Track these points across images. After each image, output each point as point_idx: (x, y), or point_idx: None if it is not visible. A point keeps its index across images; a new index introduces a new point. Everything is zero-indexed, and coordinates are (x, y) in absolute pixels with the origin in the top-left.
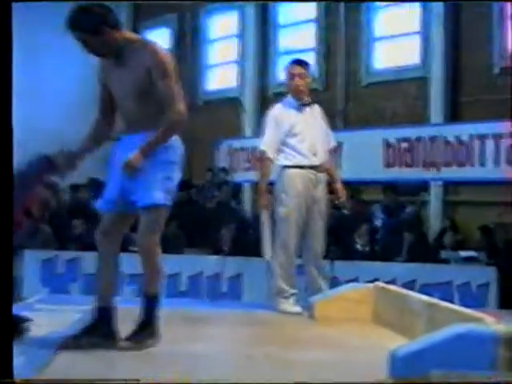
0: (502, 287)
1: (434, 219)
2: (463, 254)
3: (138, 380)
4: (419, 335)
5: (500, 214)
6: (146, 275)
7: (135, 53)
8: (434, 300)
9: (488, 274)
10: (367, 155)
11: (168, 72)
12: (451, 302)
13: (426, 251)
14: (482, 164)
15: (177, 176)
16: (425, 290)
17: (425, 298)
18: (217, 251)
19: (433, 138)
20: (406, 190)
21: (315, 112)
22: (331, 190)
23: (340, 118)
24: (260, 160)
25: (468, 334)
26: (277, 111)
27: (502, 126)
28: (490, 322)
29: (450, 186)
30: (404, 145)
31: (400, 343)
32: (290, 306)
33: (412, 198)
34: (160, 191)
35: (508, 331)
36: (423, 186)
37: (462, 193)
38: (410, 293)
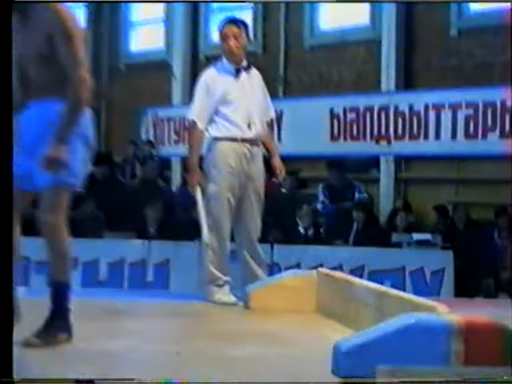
0: (459, 273)
1: (385, 199)
2: (417, 236)
3: (139, 380)
4: (366, 327)
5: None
6: (52, 260)
7: (37, 12)
8: (384, 288)
9: (443, 259)
10: (310, 127)
11: (71, 35)
12: (403, 289)
13: (375, 234)
14: (438, 137)
15: (83, 151)
16: (374, 276)
17: (373, 285)
18: (141, 235)
19: (384, 108)
20: (353, 167)
21: (252, 78)
22: (268, 167)
23: (280, 85)
24: (189, 131)
25: (419, 325)
26: (209, 76)
27: (460, 95)
28: (444, 312)
29: (402, 161)
30: (351, 115)
31: (345, 336)
32: (224, 295)
33: (360, 175)
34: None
35: (462, 322)
36: (372, 162)
37: (416, 169)
38: (358, 280)
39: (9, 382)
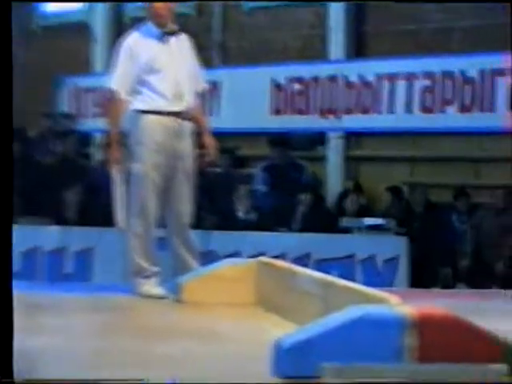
0: (414, 261)
1: (333, 179)
2: (368, 221)
3: (141, 380)
4: (311, 321)
5: None
6: None
7: None
8: (331, 278)
9: (397, 246)
10: (250, 99)
11: None
12: (352, 279)
13: (322, 219)
14: (392, 111)
15: None
16: (321, 265)
17: (319, 275)
18: (59, 220)
19: (332, 79)
20: (298, 144)
21: (182, 43)
22: (200, 143)
23: (217, 52)
24: (109, 101)
25: (368, 318)
26: (132, 41)
27: (416, 64)
28: (396, 304)
29: (352, 137)
30: (297, 86)
31: (288, 331)
32: (152, 287)
33: (306, 153)
34: None
35: (417, 315)
36: (320, 139)
37: (368, 146)
38: (302, 270)
39: (9, 382)
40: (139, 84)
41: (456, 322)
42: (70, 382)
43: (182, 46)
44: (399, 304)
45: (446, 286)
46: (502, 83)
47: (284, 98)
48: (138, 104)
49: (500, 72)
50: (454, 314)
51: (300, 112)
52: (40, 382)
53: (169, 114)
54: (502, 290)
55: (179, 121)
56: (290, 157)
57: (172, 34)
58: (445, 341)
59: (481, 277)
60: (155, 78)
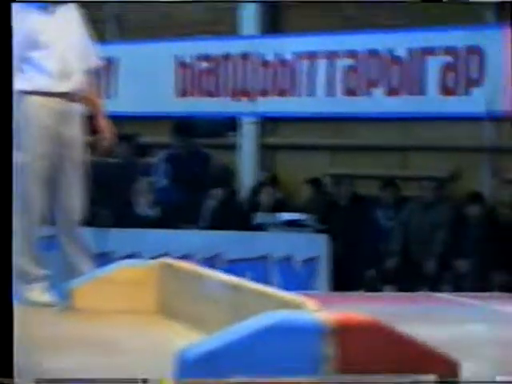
0: (336, 262)
1: (246, 170)
2: (285, 217)
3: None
4: (219, 329)
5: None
6: None
7: None
8: (242, 281)
9: (318, 244)
10: (152, 79)
11: None
12: (267, 282)
13: (234, 215)
14: (311, 93)
15: None
16: (232, 267)
17: (229, 278)
18: None
19: (244, 56)
20: (206, 130)
21: (70, 14)
22: (94, 128)
23: (112, 25)
24: None
25: (282, 325)
26: (11, 11)
27: (338, 41)
28: (314, 310)
29: (268, 123)
30: (204, 65)
31: (192, 341)
32: (38, 293)
33: (215, 140)
34: None
35: (338, 321)
36: (231, 124)
37: (285, 133)
38: (210, 272)
39: (9, 382)
40: (21, 61)
41: (380, 328)
42: (71, 381)
43: (70, 17)
44: (318, 309)
45: (371, 289)
46: (434, 63)
47: (190, 78)
48: (21, 84)
49: (431, 51)
50: (377, 321)
51: (209, 94)
52: (40, 381)
53: (54, 94)
54: (431, 293)
55: (67, 103)
56: (194, 145)
57: (59, 4)
58: (367, 350)
59: (409, 278)
60: (40, 55)
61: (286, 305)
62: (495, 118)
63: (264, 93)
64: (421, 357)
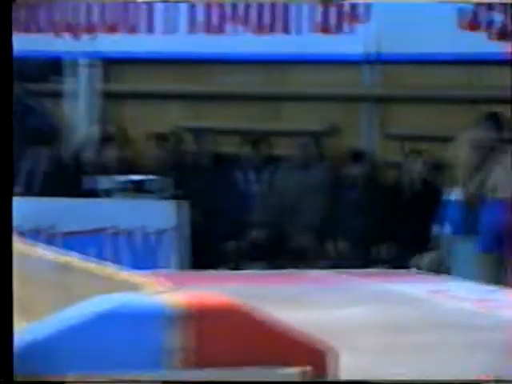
0: (194, 234)
1: (82, 123)
2: (133, 180)
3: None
4: (45, 315)
5: None
6: None
7: None
8: (74, 258)
9: (171, 214)
10: None
11: None
12: (107, 259)
13: (66, 178)
14: (166, 30)
15: None
16: (68, 241)
17: (58, 255)
18: None
19: None
20: (28, 73)
21: None
22: None
23: None
24: None
25: (120, 310)
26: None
27: None
28: (161, 291)
29: (109, 66)
30: None
31: (16, 330)
32: None
33: (41, 86)
34: None
35: (187, 304)
36: (61, 67)
37: (131, 79)
38: (35, 248)
39: (9, 382)
40: None
41: (241, 313)
42: (71, 380)
43: None
44: (166, 291)
45: (235, 267)
46: None
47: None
48: None
49: None
50: (238, 303)
51: (37, 29)
52: (40, 381)
53: None
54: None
55: None
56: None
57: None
58: (224, 338)
59: (280, 253)
60: None
61: (127, 286)
62: (379, 62)
63: (103, 28)
64: (283, 347)
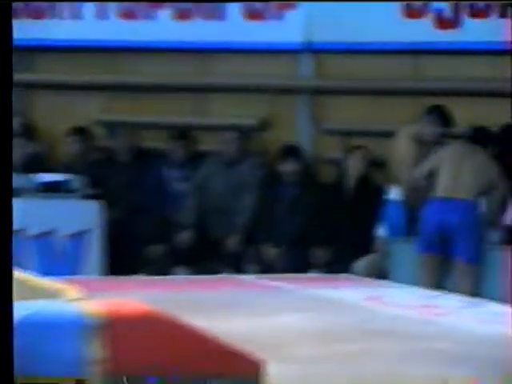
0: (112, 236)
1: None
2: (45, 178)
3: None
4: None
5: None
6: None
7: None
8: None
9: (88, 215)
10: None
11: None
12: (17, 265)
13: None
14: (77, 16)
15: None
16: None
17: None
18: None
19: None
20: None
21: None
22: None
23: None
24: None
25: (31, 320)
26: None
27: None
28: (76, 299)
29: (20, 54)
30: None
31: None
32: None
33: None
34: None
35: (103, 312)
36: None
37: (43, 68)
38: None
39: (8, 381)
40: None
41: (161, 321)
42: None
43: None
44: (81, 298)
45: (157, 272)
46: None
47: None
48: None
49: None
50: (159, 311)
51: None
52: (40, 381)
53: None
54: (234, 275)
55: None
56: None
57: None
58: (145, 348)
59: (207, 256)
60: None
61: (39, 293)
62: (315, 50)
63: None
64: (212, 356)
